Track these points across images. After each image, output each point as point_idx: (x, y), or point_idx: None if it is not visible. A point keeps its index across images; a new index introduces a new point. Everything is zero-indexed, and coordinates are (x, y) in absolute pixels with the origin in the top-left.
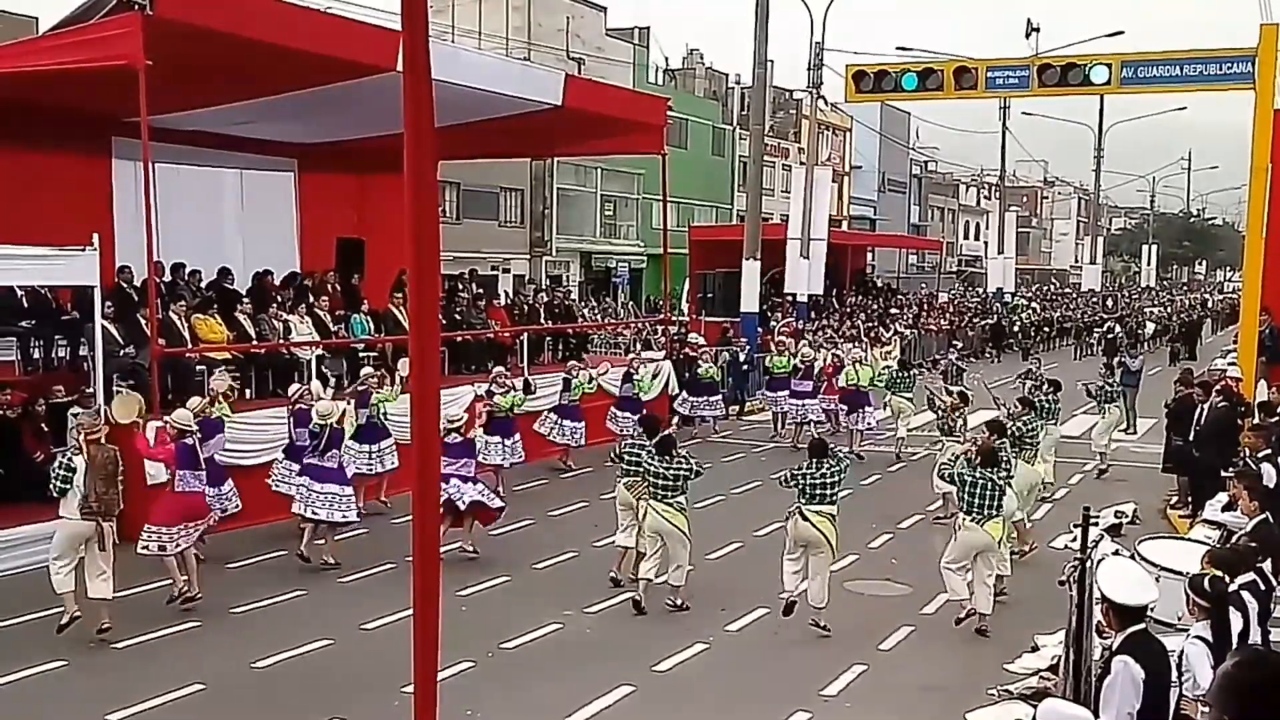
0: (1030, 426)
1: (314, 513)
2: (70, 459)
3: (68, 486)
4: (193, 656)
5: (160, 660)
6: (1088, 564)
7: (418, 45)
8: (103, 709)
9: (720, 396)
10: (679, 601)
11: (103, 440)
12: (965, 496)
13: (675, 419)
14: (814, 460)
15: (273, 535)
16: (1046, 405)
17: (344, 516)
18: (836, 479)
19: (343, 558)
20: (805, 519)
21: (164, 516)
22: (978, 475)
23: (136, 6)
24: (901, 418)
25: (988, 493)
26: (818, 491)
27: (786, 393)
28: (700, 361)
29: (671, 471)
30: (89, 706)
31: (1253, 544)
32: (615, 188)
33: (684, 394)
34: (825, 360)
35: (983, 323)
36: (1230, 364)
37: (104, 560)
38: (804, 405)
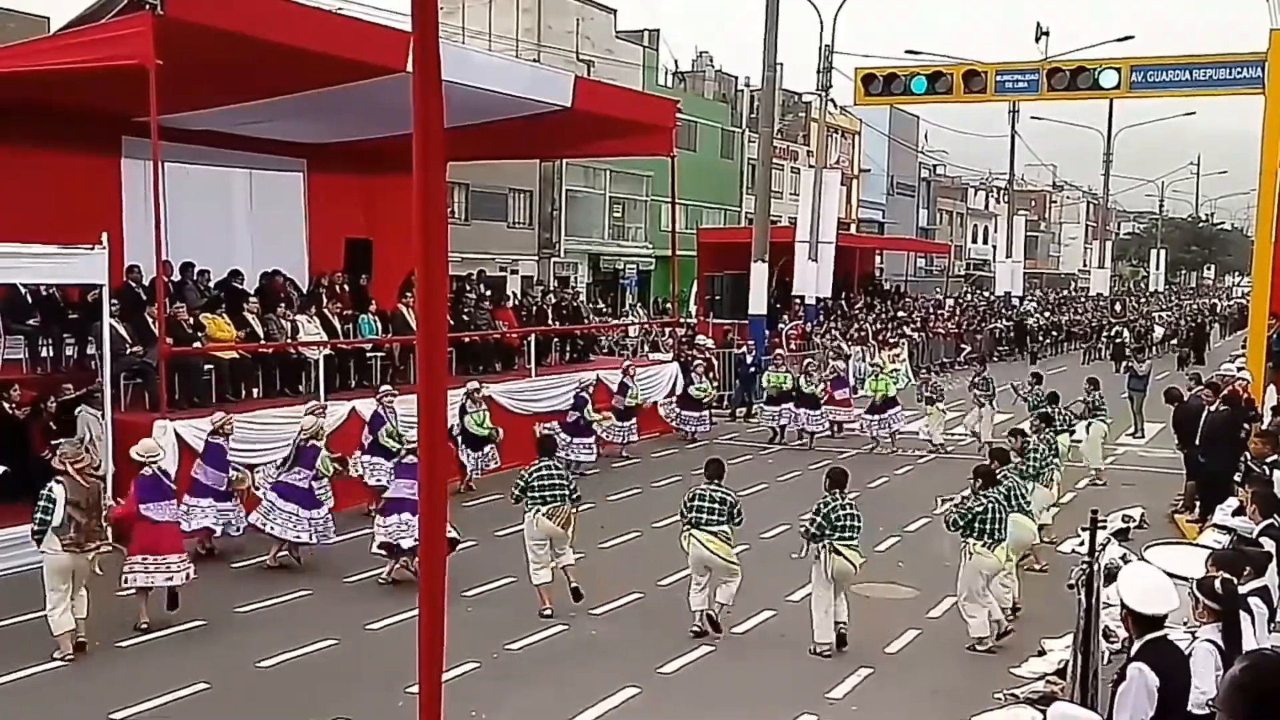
0: (1041, 451)
1: (270, 528)
2: (50, 489)
3: (48, 519)
4: (197, 656)
5: (164, 660)
6: (1095, 568)
7: (428, 46)
8: (106, 708)
9: (708, 413)
10: (718, 617)
11: (87, 470)
12: (974, 523)
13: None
14: (837, 491)
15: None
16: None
17: (296, 536)
18: (858, 511)
19: (347, 558)
20: (842, 555)
21: (134, 547)
22: (983, 498)
23: (147, 6)
24: (932, 421)
25: (993, 515)
26: (850, 525)
27: (786, 406)
28: (694, 377)
29: (719, 495)
30: (93, 706)
31: (1263, 549)
32: (624, 189)
33: (674, 405)
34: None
35: (991, 326)
36: (1240, 369)
37: (79, 586)
38: (808, 415)
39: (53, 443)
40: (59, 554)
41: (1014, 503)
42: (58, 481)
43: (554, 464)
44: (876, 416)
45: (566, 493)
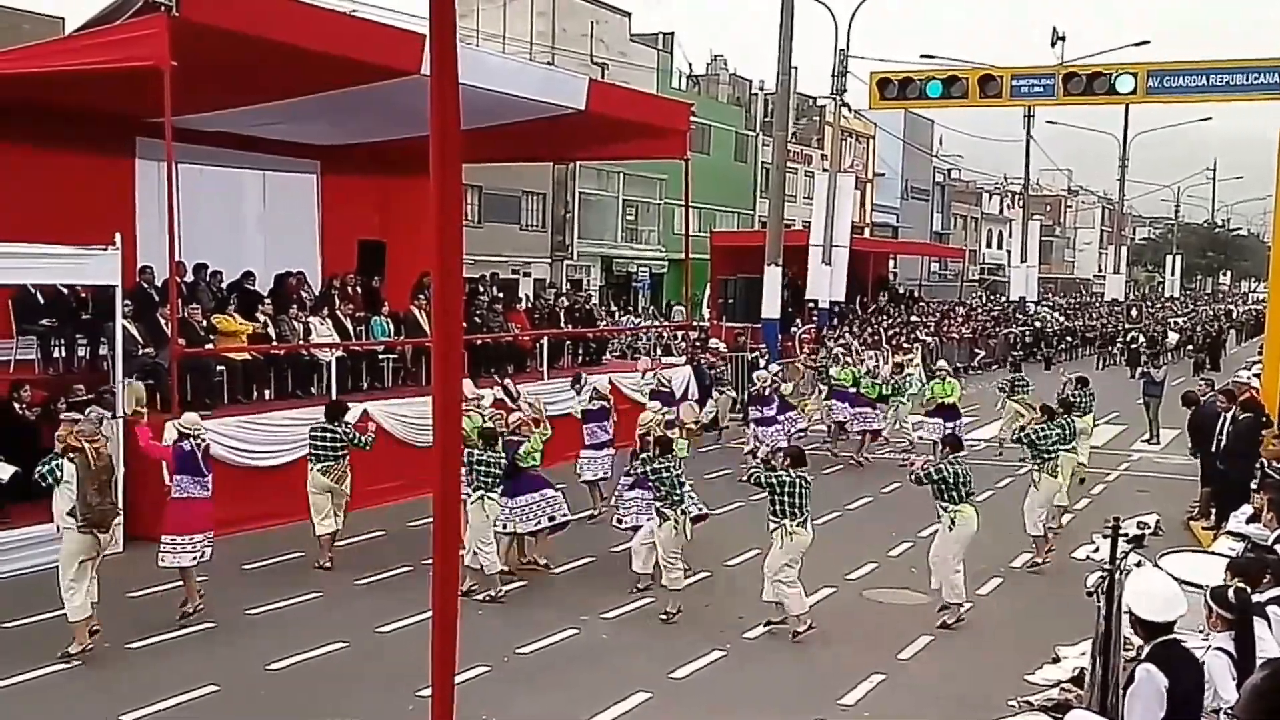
0: (1045, 435)
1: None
2: (60, 464)
3: (53, 484)
4: (206, 658)
5: (174, 661)
6: (1117, 575)
7: (446, 48)
8: (116, 710)
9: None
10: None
11: (100, 448)
12: (786, 500)
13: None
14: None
15: (287, 537)
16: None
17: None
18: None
19: (358, 560)
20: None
21: (168, 525)
22: (793, 476)
23: (162, 8)
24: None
25: (804, 493)
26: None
27: (847, 404)
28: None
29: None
30: (102, 707)
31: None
32: (637, 192)
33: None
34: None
35: (1008, 331)
36: (1255, 375)
37: (93, 569)
38: (865, 414)
39: (70, 415)
40: (75, 534)
41: (959, 491)
42: (69, 459)
43: (333, 426)
44: (944, 421)
45: (342, 453)
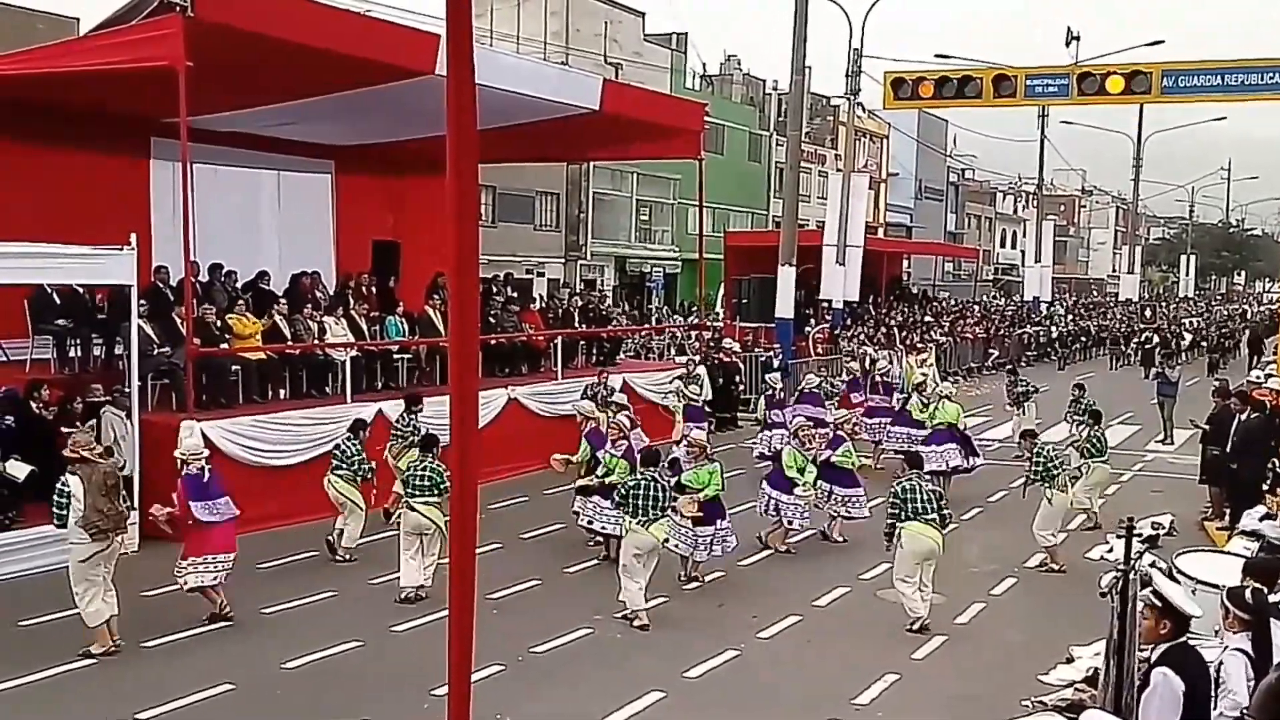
0: (1055, 453)
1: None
2: (65, 481)
3: (65, 512)
4: (222, 656)
5: (190, 660)
6: (1131, 575)
7: (462, 48)
8: (132, 708)
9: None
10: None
11: (99, 455)
12: (631, 500)
13: None
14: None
15: (302, 536)
16: (1095, 442)
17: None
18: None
19: (373, 559)
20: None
21: (189, 549)
22: (640, 476)
23: (177, 8)
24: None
25: (651, 493)
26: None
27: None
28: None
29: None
30: (118, 705)
31: None
32: (651, 192)
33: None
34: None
35: (1021, 331)
36: (1269, 375)
37: (108, 577)
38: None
39: (63, 430)
40: (86, 543)
41: (910, 507)
42: (71, 473)
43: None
44: (937, 448)
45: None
